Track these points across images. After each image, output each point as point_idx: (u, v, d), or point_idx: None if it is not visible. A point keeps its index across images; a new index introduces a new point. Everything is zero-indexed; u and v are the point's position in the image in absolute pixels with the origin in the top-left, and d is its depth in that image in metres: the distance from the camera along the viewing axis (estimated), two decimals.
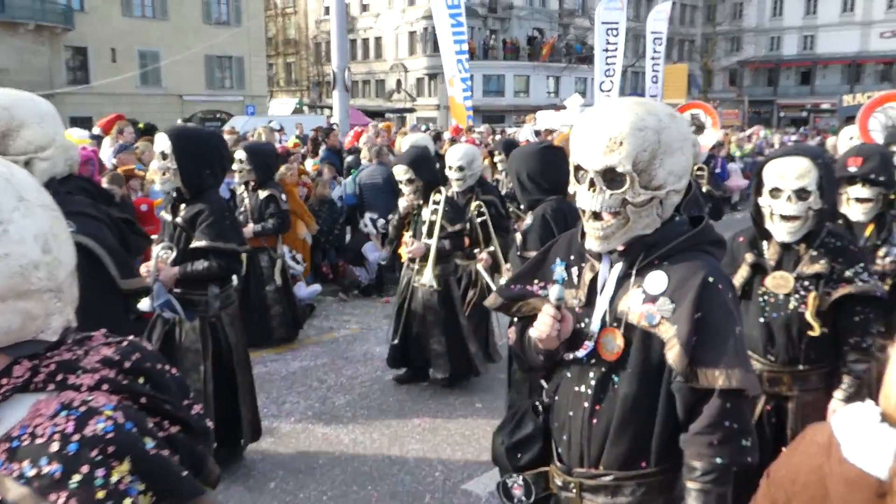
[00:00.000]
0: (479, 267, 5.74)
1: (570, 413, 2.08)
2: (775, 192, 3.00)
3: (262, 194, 6.79)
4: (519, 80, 45.83)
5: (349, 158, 10.98)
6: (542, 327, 1.99)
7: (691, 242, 1.97)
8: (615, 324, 1.99)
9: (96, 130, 11.35)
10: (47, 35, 31.66)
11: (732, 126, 33.12)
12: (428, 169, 5.84)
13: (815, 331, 2.97)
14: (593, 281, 2.08)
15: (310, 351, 7.09)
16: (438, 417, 5.57)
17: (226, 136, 11.22)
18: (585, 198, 1.96)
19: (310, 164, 10.35)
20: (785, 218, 2.99)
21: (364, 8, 50.57)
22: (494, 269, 5.74)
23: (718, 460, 1.87)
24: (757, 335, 3.13)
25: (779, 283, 3.06)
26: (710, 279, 1.89)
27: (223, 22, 37.11)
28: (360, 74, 47.62)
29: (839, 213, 3.75)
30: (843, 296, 2.96)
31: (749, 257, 3.16)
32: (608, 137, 1.87)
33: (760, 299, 3.13)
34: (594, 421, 2.03)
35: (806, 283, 3.02)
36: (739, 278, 3.15)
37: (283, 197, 6.94)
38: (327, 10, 41.71)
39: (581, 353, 2.03)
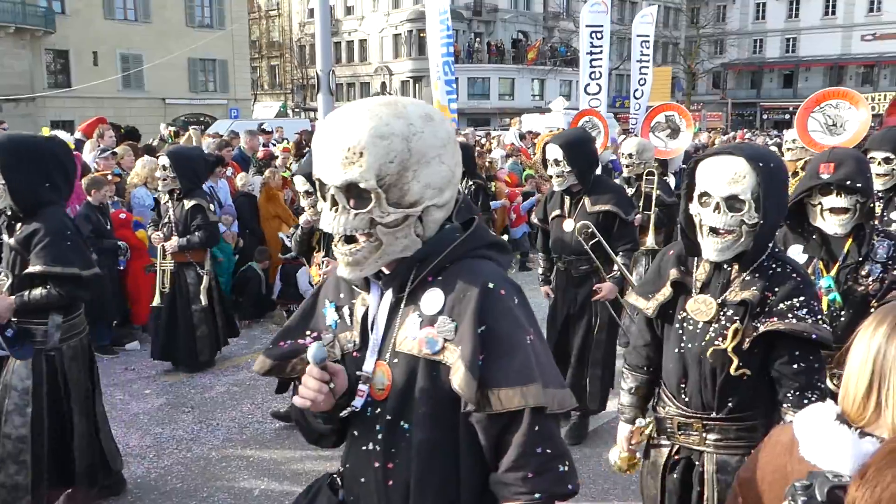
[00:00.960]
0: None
1: (362, 479, 1.72)
2: (704, 197, 2.49)
3: (188, 204, 6.16)
4: (504, 83, 45.91)
5: None
6: (306, 393, 1.63)
7: (464, 249, 1.67)
8: (395, 359, 1.66)
9: (78, 135, 11.26)
10: (28, 38, 31.34)
11: (717, 128, 33.37)
12: None
13: (733, 371, 2.45)
14: (365, 317, 1.75)
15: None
16: None
17: (207, 141, 11.17)
18: (327, 219, 1.63)
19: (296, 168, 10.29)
20: (714, 231, 2.47)
21: (348, 11, 50.52)
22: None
23: (538, 496, 1.57)
24: (672, 368, 2.65)
25: (700, 307, 2.56)
26: (491, 285, 1.60)
27: (206, 25, 36.91)
28: (344, 77, 47.59)
29: (813, 228, 3.35)
30: (778, 335, 2.40)
31: (673, 274, 2.65)
32: (346, 147, 1.55)
33: (678, 326, 2.63)
34: (389, 483, 1.67)
35: (730, 311, 2.49)
36: (661, 297, 2.67)
37: (212, 207, 6.47)
38: (311, 12, 41.64)
39: (357, 402, 1.68)
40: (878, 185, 4.62)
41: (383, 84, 48.17)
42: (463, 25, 43.67)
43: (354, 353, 1.75)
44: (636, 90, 18.20)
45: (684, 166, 10.52)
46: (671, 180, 8.28)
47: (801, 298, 2.40)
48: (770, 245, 2.50)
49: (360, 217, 1.60)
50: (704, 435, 2.58)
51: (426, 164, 1.60)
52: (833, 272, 3.29)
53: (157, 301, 6.42)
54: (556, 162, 4.94)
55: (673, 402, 2.66)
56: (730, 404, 2.52)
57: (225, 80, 38.13)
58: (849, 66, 52.47)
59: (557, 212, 5.13)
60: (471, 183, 8.12)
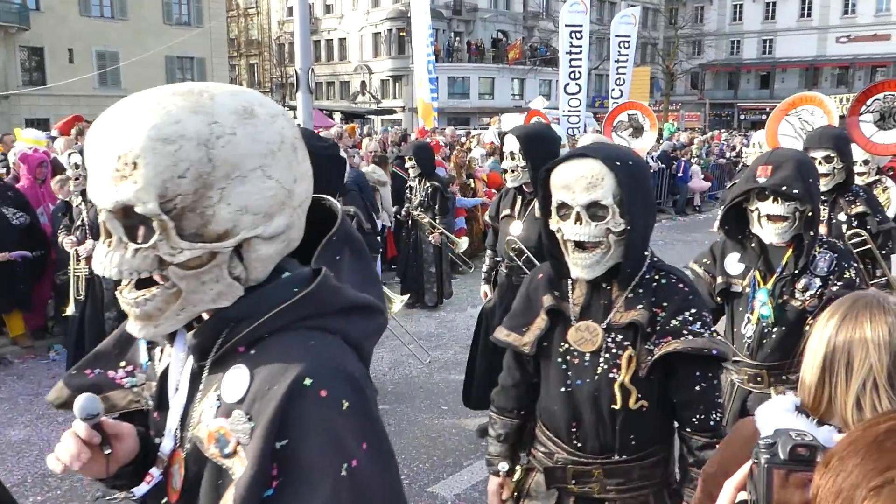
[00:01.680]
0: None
1: None
2: (563, 210, 2.17)
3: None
4: (484, 83, 45.97)
5: None
6: (61, 454, 1.21)
7: (294, 315, 1.16)
8: (188, 446, 1.21)
9: (54, 132, 11.15)
10: (1, 35, 30.91)
11: (695, 128, 33.68)
12: None
13: (633, 403, 2.15)
14: (165, 374, 1.31)
15: None
16: (403, 421, 5.53)
17: None
18: (98, 257, 1.17)
19: None
20: (580, 246, 2.15)
21: (328, 9, 50.35)
22: None
23: None
24: (558, 411, 2.28)
25: (584, 336, 2.21)
26: (307, 381, 1.09)
27: (184, 22, 36.64)
28: (324, 76, 47.40)
29: (754, 236, 3.12)
30: (676, 356, 2.12)
31: (547, 300, 2.29)
32: (116, 156, 1.08)
33: (561, 360, 2.26)
34: None
35: (619, 337, 2.18)
36: (536, 330, 2.30)
37: None
38: (290, 10, 41.48)
39: (141, 488, 1.25)
40: (821, 185, 4.44)
41: (363, 83, 48.06)
42: (443, 25, 43.67)
43: (155, 415, 1.31)
44: (613, 90, 18.31)
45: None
46: None
47: (693, 311, 2.15)
48: (648, 254, 2.23)
49: (141, 255, 1.12)
50: (605, 481, 2.25)
51: (242, 179, 1.12)
52: (769, 284, 3.09)
53: (70, 310, 5.95)
54: (512, 155, 4.56)
55: (562, 448, 2.31)
56: (633, 443, 2.22)
57: (203, 79, 37.79)
58: (824, 67, 53.09)
59: (507, 212, 4.72)
60: (428, 185, 8.16)
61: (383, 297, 1.32)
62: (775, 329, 3.06)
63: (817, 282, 3.01)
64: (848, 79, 51.51)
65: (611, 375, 2.16)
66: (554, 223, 2.20)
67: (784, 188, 2.88)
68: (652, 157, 16.08)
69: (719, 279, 3.25)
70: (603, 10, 49.46)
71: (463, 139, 16.38)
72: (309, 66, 16.23)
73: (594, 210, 2.10)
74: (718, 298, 3.27)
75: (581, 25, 17.62)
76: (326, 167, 3.95)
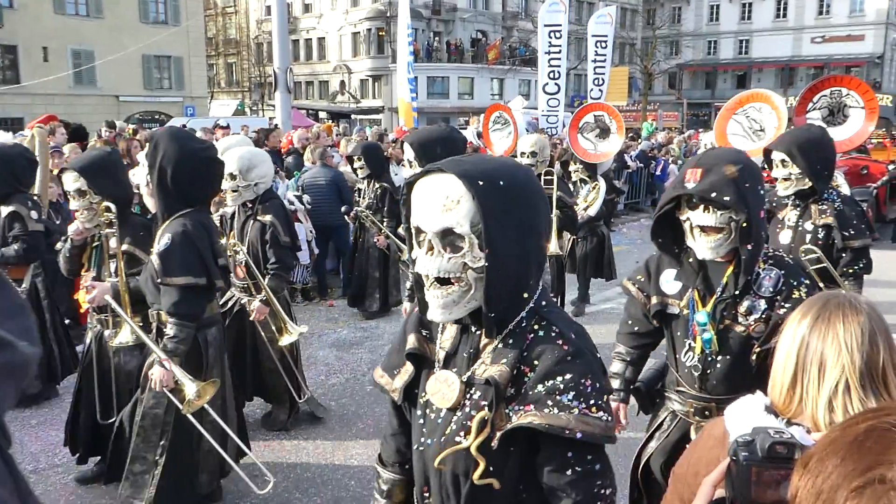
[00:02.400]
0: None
1: None
2: (420, 235, 1.74)
3: (4, 211, 5.26)
4: (463, 82, 45.93)
5: (289, 160, 10.85)
6: None
7: None
8: None
9: (27, 132, 10.99)
10: None
11: (673, 128, 33.90)
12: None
13: (477, 478, 1.69)
14: None
15: None
16: (383, 421, 5.49)
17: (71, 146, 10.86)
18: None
19: None
20: (438, 282, 1.71)
21: (306, 8, 50.08)
22: None
23: None
24: (415, 471, 1.93)
25: (441, 389, 1.79)
26: None
27: (161, 21, 36.27)
28: (302, 75, 47.14)
29: (682, 246, 2.74)
30: (534, 430, 1.64)
31: (411, 342, 1.89)
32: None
33: (420, 413, 1.87)
34: None
35: (476, 394, 1.73)
36: (405, 374, 1.91)
37: (34, 214, 5.32)
38: (269, 9, 41.22)
39: None
40: (780, 189, 4.31)
41: (342, 83, 47.88)
42: (422, 24, 43.60)
43: None
44: (592, 90, 18.36)
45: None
46: (602, 185, 7.95)
47: (568, 377, 1.64)
48: (527, 295, 1.74)
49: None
50: None
51: None
52: (709, 306, 2.68)
53: None
54: (410, 164, 4.17)
55: None
56: None
57: (180, 78, 37.52)
58: (799, 67, 53.64)
59: None
60: (377, 186, 7.80)
61: (26, 331, 1.07)
62: (720, 358, 2.68)
63: (762, 304, 2.61)
64: None
65: (457, 439, 1.72)
66: (415, 251, 1.76)
67: (714, 195, 2.48)
68: (630, 157, 16.17)
69: (654, 299, 2.87)
70: (581, 11, 49.66)
71: None
72: (287, 66, 16.20)
73: (450, 239, 1.68)
74: (654, 321, 2.92)
75: (560, 25, 17.65)
76: (206, 169, 3.80)
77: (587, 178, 8.07)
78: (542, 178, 6.30)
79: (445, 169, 1.67)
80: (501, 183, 1.67)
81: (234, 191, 4.93)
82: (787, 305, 2.55)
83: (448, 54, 45.65)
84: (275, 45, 15.99)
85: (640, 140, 19.84)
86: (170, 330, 3.65)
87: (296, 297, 9.00)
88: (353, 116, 39.44)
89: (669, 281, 2.83)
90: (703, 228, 2.59)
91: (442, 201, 1.65)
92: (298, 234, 7.97)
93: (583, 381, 1.65)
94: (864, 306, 1.50)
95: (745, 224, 2.51)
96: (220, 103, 36.28)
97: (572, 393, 1.63)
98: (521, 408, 1.66)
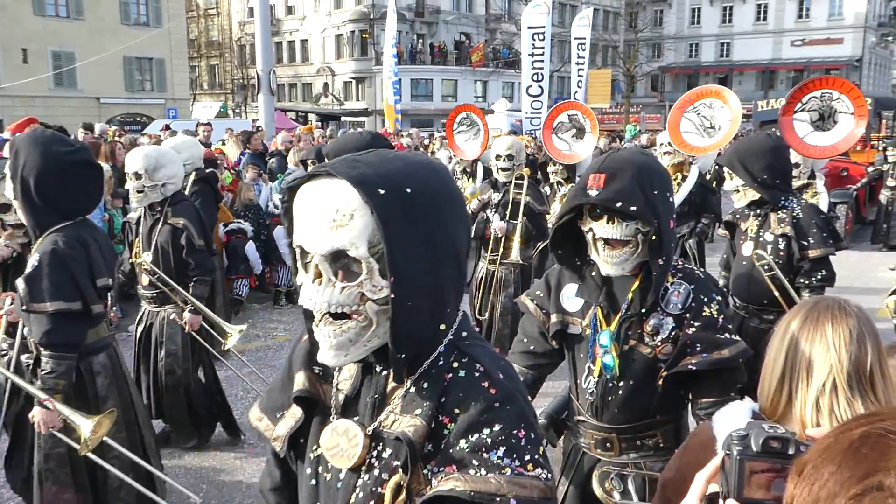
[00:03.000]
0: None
1: None
2: (305, 258, 1.35)
3: None
4: (447, 85, 45.95)
5: (272, 162, 10.82)
6: None
7: None
8: None
9: (7, 135, 10.89)
10: None
11: (655, 130, 34.03)
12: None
13: None
14: None
15: (235, 360, 6.90)
16: None
17: (144, 142, 10.88)
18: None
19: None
20: (332, 317, 1.33)
21: (289, 10, 49.92)
22: None
23: None
24: None
25: (339, 444, 1.39)
26: None
27: (142, 23, 36.01)
28: (286, 77, 46.99)
29: (584, 259, 2.49)
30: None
31: (300, 380, 1.48)
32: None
33: (311, 471, 1.46)
34: None
35: (386, 452, 1.34)
36: (291, 420, 1.49)
37: None
38: (251, 11, 40.97)
39: None
40: (735, 201, 4.25)
41: (325, 85, 47.76)
42: (405, 27, 43.58)
43: None
44: (576, 91, 18.44)
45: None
46: None
47: (497, 429, 1.27)
48: (444, 327, 1.36)
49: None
50: None
51: None
52: (613, 325, 2.40)
53: None
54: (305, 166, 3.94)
55: None
56: None
57: (162, 80, 37.27)
58: (779, 70, 54.14)
59: None
60: None
61: None
62: (621, 383, 2.39)
63: (670, 322, 2.33)
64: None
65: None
66: (300, 276, 1.37)
67: (619, 204, 2.20)
68: None
69: (554, 317, 2.55)
70: (564, 14, 49.83)
71: (427, 141, 16.37)
72: (270, 68, 16.12)
73: (343, 263, 1.29)
74: (554, 342, 2.59)
75: (543, 27, 17.71)
76: (76, 176, 3.32)
77: (564, 181, 7.93)
78: (514, 182, 6.06)
79: (335, 172, 1.27)
80: (409, 190, 1.28)
81: (138, 191, 4.54)
82: (696, 324, 2.31)
83: (431, 56, 45.67)
84: (258, 47, 15.91)
85: (623, 143, 19.92)
86: (45, 365, 3.22)
87: (280, 300, 8.98)
88: (342, 119, 39.29)
89: (571, 297, 2.53)
90: (608, 241, 2.32)
91: (331, 215, 1.26)
92: (282, 238, 7.96)
93: (515, 432, 1.28)
94: (854, 309, 1.52)
95: (654, 237, 2.26)
96: (203, 105, 36.05)
97: (503, 448, 1.26)
98: (442, 469, 1.28)
